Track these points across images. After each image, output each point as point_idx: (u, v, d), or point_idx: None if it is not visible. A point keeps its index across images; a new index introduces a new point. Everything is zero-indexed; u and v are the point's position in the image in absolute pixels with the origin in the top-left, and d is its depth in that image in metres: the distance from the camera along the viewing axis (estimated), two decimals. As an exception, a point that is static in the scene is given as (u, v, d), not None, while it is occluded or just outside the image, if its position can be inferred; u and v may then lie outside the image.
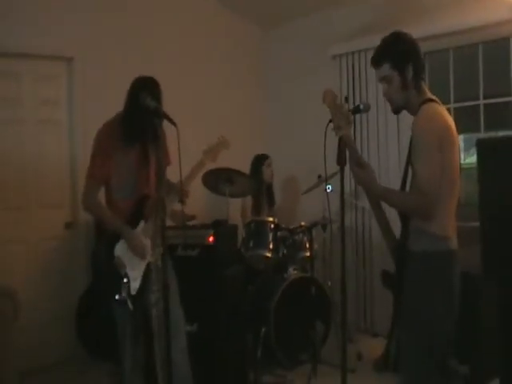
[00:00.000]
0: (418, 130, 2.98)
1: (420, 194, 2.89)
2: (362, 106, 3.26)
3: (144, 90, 3.57)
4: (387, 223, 3.28)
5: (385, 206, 3.25)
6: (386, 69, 3.14)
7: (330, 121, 3.18)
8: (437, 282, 2.98)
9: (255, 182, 5.96)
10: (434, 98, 3.13)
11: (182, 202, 3.85)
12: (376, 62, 3.19)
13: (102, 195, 3.92)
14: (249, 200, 6.29)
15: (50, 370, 5.38)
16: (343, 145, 3.16)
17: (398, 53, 3.12)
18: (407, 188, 3.22)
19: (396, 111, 3.24)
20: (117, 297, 3.70)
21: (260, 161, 6.42)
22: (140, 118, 3.63)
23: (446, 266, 2.99)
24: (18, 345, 4.81)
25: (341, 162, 3.14)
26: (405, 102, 3.14)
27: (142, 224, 3.85)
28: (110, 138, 3.79)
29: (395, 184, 3.32)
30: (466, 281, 3.22)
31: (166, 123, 3.46)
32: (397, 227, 3.22)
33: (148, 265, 3.81)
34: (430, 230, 2.98)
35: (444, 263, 2.99)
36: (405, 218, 3.11)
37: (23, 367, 4.90)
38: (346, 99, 3.25)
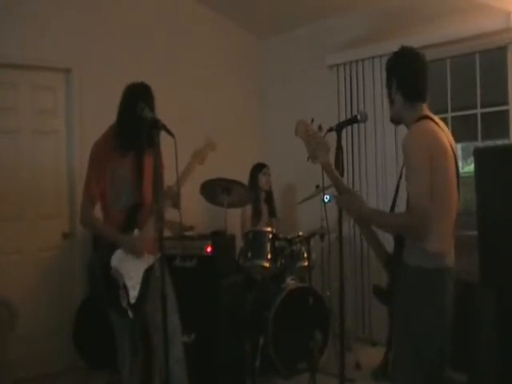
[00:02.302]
0: (406, 148, 2.96)
1: (409, 214, 2.86)
2: (359, 116, 3.27)
3: (140, 100, 3.55)
4: (377, 239, 3.26)
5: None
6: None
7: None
8: (427, 299, 2.95)
9: (252, 190, 5.97)
10: (429, 115, 3.11)
11: (176, 206, 3.86)
12: None
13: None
14: (249, 210, 6.30)
15: (47, 380, 5.37)
16: (340, 154, 3.17)
17: (388, 66, 3.19)
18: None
19: (391, 120, 3.27)
20: (112, 307, 3.71)
21: (257, 169, 6.44)
22: (135, 128, 3.63)
23: (437, 284, 2.96)
24: (15, 354, 4.81)
25: (338, 172, 3.15)
26: (394, 114, 3.19)
27: (136, 232, 3.84)
28: (105, 150, 3.80)
29: (392, 196, 3.30)
30: (465, 289, 3.22)
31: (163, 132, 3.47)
32: (387, 241, 3.22)
33: (146, 272, 3.81)
34: (424, 246, 2.94)
35: (436, 281, 2.95)
36: (398, 235, 3.10)
37: (20, 377, 4.91)
38: (320, 127, 3.22)
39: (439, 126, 3.06)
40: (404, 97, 3.11)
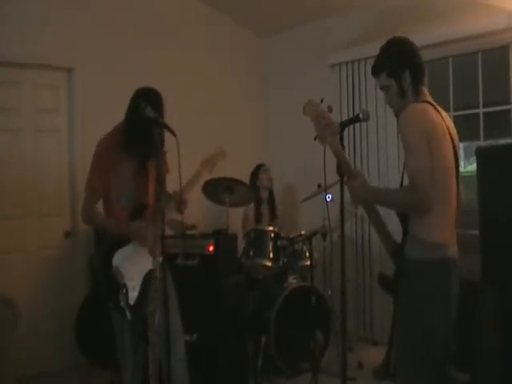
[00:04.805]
0: (401, 126, 2.96)
1: (413, 187, 2.85)
2: (361, 115, 3.25)
3: (143, 100, 3.57)
4: (384, 226, 3.25)
5: (384, 213, 3.25)
6: (384, 78, 3.14)
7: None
8: (429, 293, 2.94)
9: (254, 189, 5.98)
10: (430, 100, 3.11)
11: (180, 211, 3.85)
12: (374, 71, 3.21)
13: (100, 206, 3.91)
14: (251, 209, 6.31)
15: (49, 379, 5.38)
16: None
17: (393, 61, 3.12)
18: None
19: (398, 116, 3.24)
20: (111, 305, 3.70)
21: (256, 170, 6.49)
22: (140, 128, 3.62)
23: (440, 275, 2.95)
24: (18, 353, 4.82)
25: (340, 171, 3.14)
26: (404, 106, 3.11)
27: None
28: (110, 148, 3.78)
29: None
30: (467, 288, 3.21)
31: (166, 133, 3.46)
32: (395, 232, 3.22)
33: (147, 273, 3.80)
34: (425, 237, 2.94)
35: (439, 272, 2.95)
36: (405, 224, 3.09)
37: (23, 376, 4.90)
38: (330, 108, 3.17)
39: (439, 113, 3.05)
40: (416, 87, 3.11)
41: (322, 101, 3.19)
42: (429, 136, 2.88)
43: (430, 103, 3.07)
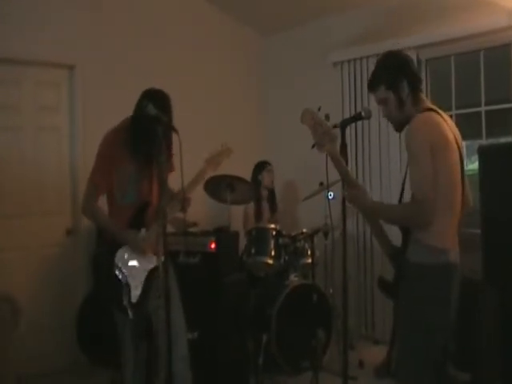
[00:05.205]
0: (407, 137, 2.96)
1: (415, 201, 2.86)
2: (363, 113, 3.26)
3: (146, 99, 3.57)
4: (384, 233, 3.25)
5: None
6: (382, 91, 3.14)
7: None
8: (430, 296, 2.95)
9: (255, 188, 5.97)
10: (432, 106, 3.11)
11: (183, 210, 3.85)
12: (371, 86, 3.22)
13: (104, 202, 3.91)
14: (251, 207, 6.30)
15: (50, 377, 5.37)
16: (344, 151, 3.16)
17: (390, 73, 3.13)
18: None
19: (398, 129, 3.22)
20: (114, 304, 3.70)
21: (260, 167, 6.46)
22: (144, 126, 3.62)
23: (441, 280, 2.95)
24: (19, 351, 4.80)
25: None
26: (404, 117, 3.13)
27: (143, 232, 3.83)
28: (115, 144, 3.78)
29: (396, 191, 3.30)
30: (469, 287, 3.21)
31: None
32: (394, 236, 3.22)
33: (150, 271, 3.80)
34: (428, 241, 2.94)
35: (440, 277, 2.95)
36: (405, 228, 3.09)
37: (23, 374, 4.89)
38: (327, 116, 3.19)
39: (443, 118, 3.05)
40: (414, 96, 3.11)
41: (319, 109, 3.21)
42: (436, 146, 2.89)
43: (432, 110, 3.07)
